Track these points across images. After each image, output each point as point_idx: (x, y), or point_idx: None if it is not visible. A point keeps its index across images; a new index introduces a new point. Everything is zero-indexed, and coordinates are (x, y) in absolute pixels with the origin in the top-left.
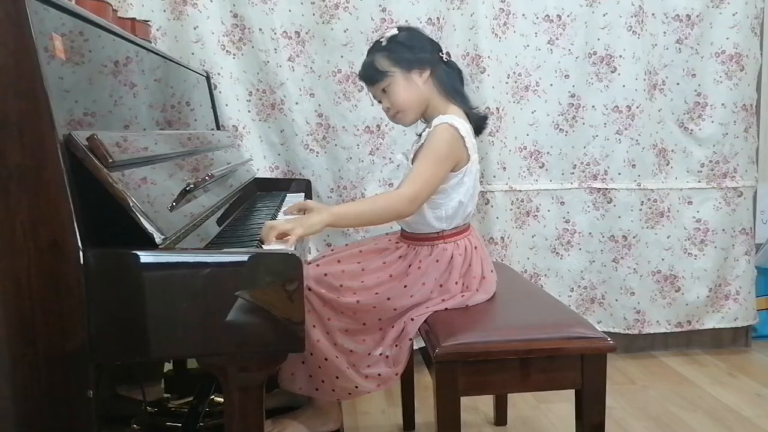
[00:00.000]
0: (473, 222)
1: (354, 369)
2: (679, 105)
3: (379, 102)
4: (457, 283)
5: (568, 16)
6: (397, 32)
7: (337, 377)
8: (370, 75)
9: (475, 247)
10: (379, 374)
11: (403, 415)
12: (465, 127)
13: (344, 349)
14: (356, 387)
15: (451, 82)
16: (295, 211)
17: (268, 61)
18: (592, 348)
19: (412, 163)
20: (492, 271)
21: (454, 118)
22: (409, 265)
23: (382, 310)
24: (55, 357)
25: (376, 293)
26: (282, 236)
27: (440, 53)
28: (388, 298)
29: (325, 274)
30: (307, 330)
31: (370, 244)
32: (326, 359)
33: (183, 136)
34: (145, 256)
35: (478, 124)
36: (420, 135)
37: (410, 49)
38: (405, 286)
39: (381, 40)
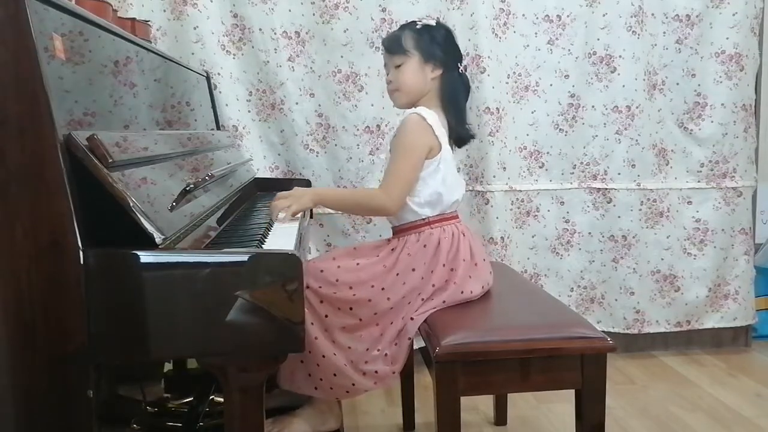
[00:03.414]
0: (473, 222)
1: (352, 366)
2: (678, 105)
3: (387, 74)
4: (444, 265)
5: (568, 16)
6: (435, 25)
7: (334, 375)
8: (393, 46)
9: (463, 234)
10: (376, 372)
11: (403, 414)
12: (433, 118)
13: (342, 346)
14: (353, 384)
15: (453, 92)
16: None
17: (268, 61)
18: (592, 348)
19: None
20: (485, 260)
21: (423, 109)
22: (399, 254)
23: (378, 303)
24: (55, 357)
25: (372, 286)
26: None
27: (459, 63)
28: (383, 289)
29: (321, 270)
30: (306, 327)
31: (364, 243)
32: (324, 356)
33: (183, 136)
34: (145, 256)
35: (461, 138)
36: None
37: (437, 44)
38: (397, 274)
39: (417, 22)
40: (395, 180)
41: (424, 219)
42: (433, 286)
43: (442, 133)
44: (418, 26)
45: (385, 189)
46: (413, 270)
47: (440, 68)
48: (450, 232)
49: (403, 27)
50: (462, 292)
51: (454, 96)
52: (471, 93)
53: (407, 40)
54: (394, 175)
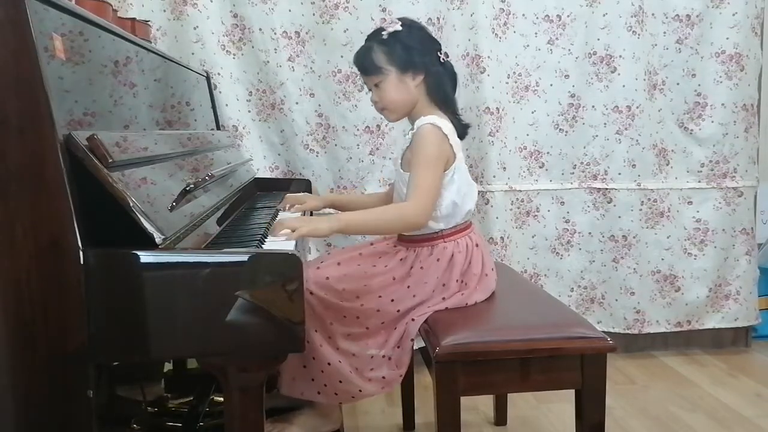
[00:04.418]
0: (473, 222)
1: (357, 373)
2: (679, 105)
3: (369, 90)
4: (458, 280)
5: (568, 16)
6: (400, 29)
7: (340, 381)
8: (366, 66)
9: (476, 245)
10: (383, 377)
11: (403, 415)
12: (447, 126)
13: (347, 353)
14: (360, 391)
15: (441, 88)
16: (291, 202)
17: (268, 61)
18: (592, 348)
19: (401, 168)
20: (493, 269)
21: (436, 119)
22: (411, 267)
23: (386, 313)
24: (55, 357)
25: (380, 296)
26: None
27: (438, 53)
28: (392, 300)
29: (327, 278)
30: (309, 335)
31: (369, 248)
32: (329, 364)
33: (183, 136)
34: (145, 256)
35: (459, 131)
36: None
37: (409, 50)
38: (408, 287)
39: (383, 32)
40: (424, 191)
41: (437, 232)
42: (444, 299)
43: (456, 142)
44: (384, 36)
45: (415, 202)
46: (425, 283)
47: (421, 72)
48: (464, 245)
49: (370, 39)
50: (467, 304)
51: (443, 93)
52: (472, 93)
53: (379, 57)
54: (422, 187)
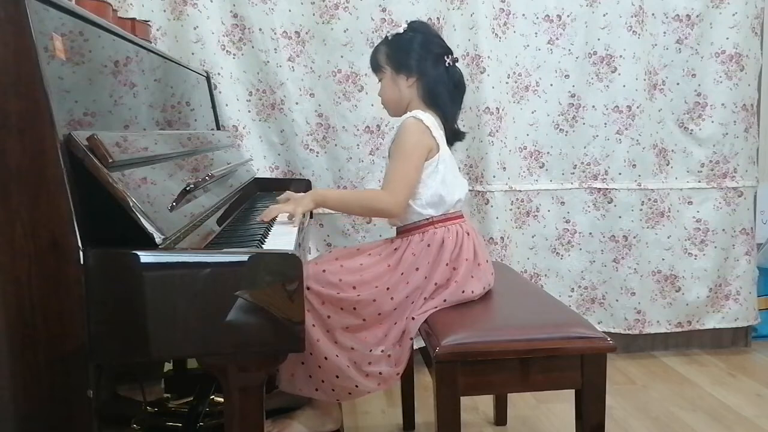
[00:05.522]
0: (473, 222)
1: (355, 367)
2: (679, 105)
3: None
4: (447, 264)
5: (568, 16)
6: (403, 32)
7: (337, 376)
8: (372, 63)
9: (467, 233)
10: (380, 373)
11: (403, 415)
12: (430, 120)
13: (345, 346)
14: (356, 386)
15: (433, 93)
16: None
17: (268, 61)
18: (592, 348)
19: (389, 159)
20: (487, 261)
21: (419, 112)
22: (403, 253)
23: (382, 303)
24: (55, 357)
25: (376, 286)
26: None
27: (446, 57)
28: (387, 288)
29: (324, 270)
30: (307, 329)
31: (366, 245)
32: (326, 358)
33: (183, 136)
34: (145, 256)
35: (448, 137)
36: None
37: (407, 52)
38: (402, 274)
39: (389, 34)
40: (398, 182)
41: (428, 219)
42: (436, 284)
43: (440, 135)
44: (389, 38)
45: (388, 193)
46: (417, 269)
47: (414, 75)
48: (454, 231)
49: (382, 41)
50: (463, 292)
51: (436, 97)
52: (472, 93)
53: (380, 56)
54: (396, 177)
